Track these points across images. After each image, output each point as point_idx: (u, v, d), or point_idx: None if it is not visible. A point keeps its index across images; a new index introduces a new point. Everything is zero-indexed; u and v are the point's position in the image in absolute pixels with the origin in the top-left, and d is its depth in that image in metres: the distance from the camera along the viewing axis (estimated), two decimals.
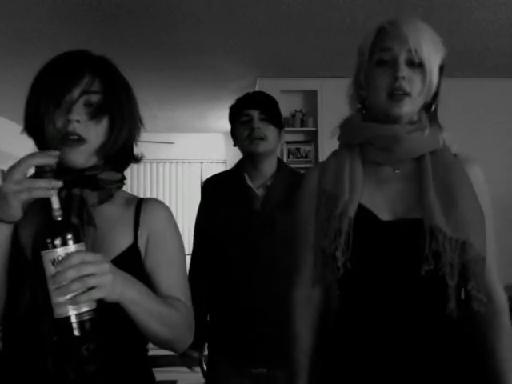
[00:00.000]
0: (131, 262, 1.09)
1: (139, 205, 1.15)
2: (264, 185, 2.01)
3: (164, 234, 1.15)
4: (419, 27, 1.17)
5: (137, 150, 1.18)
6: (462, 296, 1.14)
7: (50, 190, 0.92)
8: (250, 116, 2.00)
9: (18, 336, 1.02)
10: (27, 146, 1.13)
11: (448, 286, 1.10)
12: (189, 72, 4.44)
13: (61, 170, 1.06)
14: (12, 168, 0.93)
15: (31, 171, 0.96)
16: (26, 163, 0.93)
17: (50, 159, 0.94)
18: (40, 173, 0.93)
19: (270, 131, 2.01)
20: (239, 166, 2.09)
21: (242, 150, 2.06)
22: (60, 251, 0.88)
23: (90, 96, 1.06)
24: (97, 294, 0.88)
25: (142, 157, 1.19)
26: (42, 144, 1.09)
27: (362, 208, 1.17)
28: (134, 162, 1.19)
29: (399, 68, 1.14)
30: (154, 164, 7.25)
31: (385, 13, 3.28)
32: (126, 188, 1.21)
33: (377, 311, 1.15)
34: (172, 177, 7.26)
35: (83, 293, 0.86)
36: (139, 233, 1.12)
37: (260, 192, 2.00)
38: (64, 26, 3.44)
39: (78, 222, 1.01)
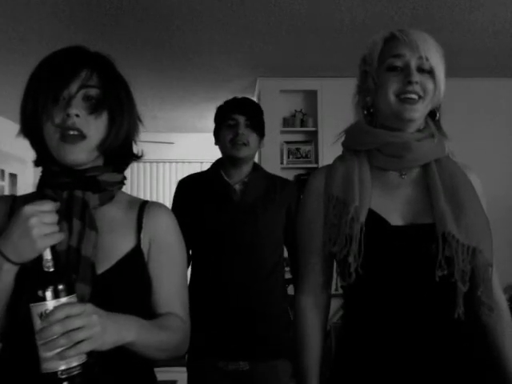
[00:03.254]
0: (135, 265, 1.08)
1: (142, 207, 1.14)
2: (241, 181, 2.10)
3: (166, 240, 1.14)
4: (427, 38, 1.20)
5: (137, 149, 1.17)
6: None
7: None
8: (236, 121, 2.08)
9: (17, 338, 1.01)
10: (27, 146, 1.12)
11: (457, 292, 1.10)
12: (189, 72, 4.44)
13: (62, 171, 1.05)
14: (36, 215, 0.91)
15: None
16: (50, 217, 0.93)
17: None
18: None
19: (253, 138, 2.10)
20: (216, 166, 2.17)
21: (224, 152, 2.14)
22: (49, 304, 0.85)
23: (89, 90, 1.04)
24: (85, 348, 0.85)
25: (142, 154, 1.18)
26: (40, 145, 1.07)
27: (371, 213, 1.17)
28: (134, 160, 1.17)
29: (412, 73, 1.17)
30: (154, 164, 7.24)
31: (385, 13, 3.29)
32: (126, 188, 1.20)
33: (387, 315, 1.15)
34: (172, 177, 7.25)
35: (71, 347, 0.84)
36: (142, 235, 1.10)
37: (238, 187, 2.09)
38: (64, 26, 3.44)
39: (69, 274, 0.97)
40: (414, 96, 1.16)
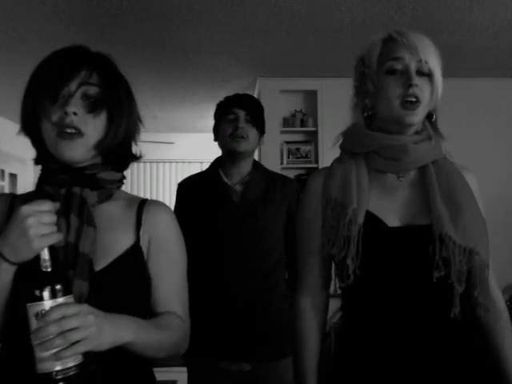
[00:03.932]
0: (133, 262, 1.08)
1: (142, 205, 1.14)
2: (241, 181, 2.08)
3: (166, 238, 1.13)
4: (424, 39, 1.20)
5: (136, 149, 1.17)
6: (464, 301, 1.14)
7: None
8: (236, 115, 2.07)
9: (16, 337, 1.00)
10: (27, 146, 1.12)
11: (453, 292, 1.11)
12: (189, 72, 4.44)
13: (60, 169, 1.05)
14: (33, 214, 0.90)
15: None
16: (49, 217, 0.93)
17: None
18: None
19: (253, 133, 2.08)
20: (215, 165, 2.16)
21: (223, 146, 2.12)
22: (45, 304, 0.85)
23: (88, 88, 1.04)
24: (81, 348, 0.85)
25: (141, 155, 1.17)
26: (39, 143, 1.07)
27: (369, 214, 1.17)
28: (134, 161, 1.17)
29: (412, 76, 1.16)
30: (154, 164, 7.24)
31: (385, 13, 3.29)
32: (126, 188, 1.20)
33: (385, 315, 1.15)
34: (172, 177, 7.25)
35: (67, 348, 0.83)
36: (141, 232, 1.10)
37: (238, 188, 2.07)
38: (64, 26, 3.44)
39: (67, 273, 0.97)
40: (413, 99, 1.16)
